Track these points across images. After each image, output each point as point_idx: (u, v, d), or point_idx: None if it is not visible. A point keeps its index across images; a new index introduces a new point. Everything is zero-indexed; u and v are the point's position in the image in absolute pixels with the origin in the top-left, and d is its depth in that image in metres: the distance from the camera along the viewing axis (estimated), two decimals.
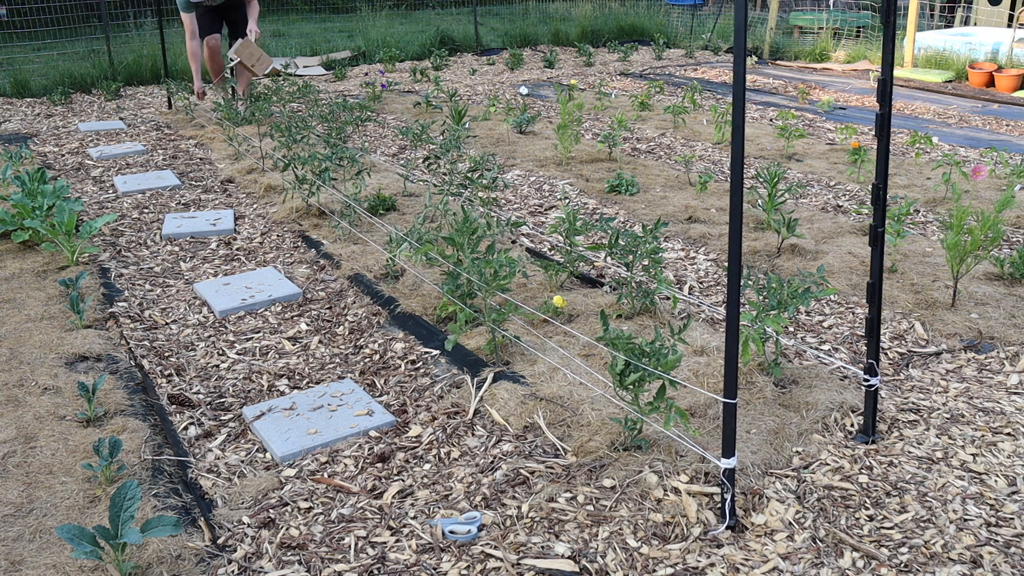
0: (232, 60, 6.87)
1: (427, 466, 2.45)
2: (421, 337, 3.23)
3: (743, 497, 2.23)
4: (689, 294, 3.60)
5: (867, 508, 2.21)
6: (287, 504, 2.30)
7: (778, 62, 11.14)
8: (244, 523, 2.22)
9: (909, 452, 2.45)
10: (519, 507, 2.24)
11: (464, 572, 2.02)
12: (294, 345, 3.24)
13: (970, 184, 5.02)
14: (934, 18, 12.67)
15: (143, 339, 3.30)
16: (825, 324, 3.28)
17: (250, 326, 3.41)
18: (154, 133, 7.14)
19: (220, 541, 2.15)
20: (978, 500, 2.23)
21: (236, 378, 3.00)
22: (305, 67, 10.59)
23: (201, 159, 6.19)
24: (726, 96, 8.49)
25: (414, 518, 2.22)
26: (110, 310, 3.54)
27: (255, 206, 5.00)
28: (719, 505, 2.17)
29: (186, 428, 2.69)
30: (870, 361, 2.42)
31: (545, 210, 4.80)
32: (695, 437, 2.42)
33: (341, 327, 3.39)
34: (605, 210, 4.74)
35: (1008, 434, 2.52)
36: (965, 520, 2.15)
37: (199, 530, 2.19)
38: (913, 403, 2.72)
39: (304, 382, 2.96)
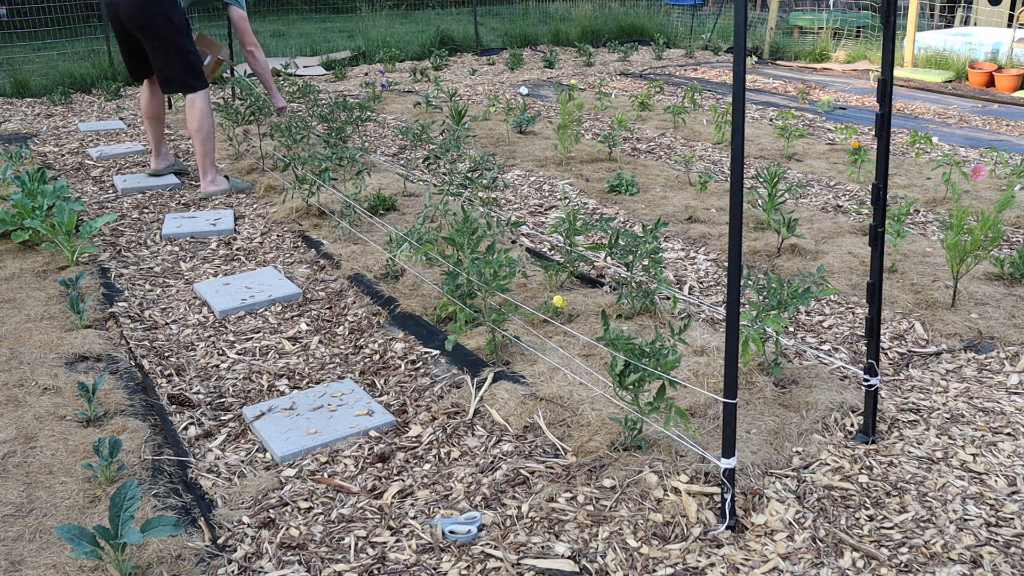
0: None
1: (427, 466, 2.45)
2: (421, 337, 3.23)
3: (743, 497, 2.23)
4: (689, 294, 3.60)
5: (867, 508, 2.21)
6: (287, 504, 2.30)
7: (778, 62, 11.14)
8: (244, 523, 2.22)
9: (909, 452, 2.45)
10: (519, 507, 2.24)
11: (464, 572, 2.02)
12: (294, 345, 3.24)
13: (970, 184, 5.02)
14: (934, 18, 12.67)
15: (143, 339, 3.30)
16: (825, 324, 3.28)
17: (250, 326, 3.41)
18: None
19: (220, 541, 2.15)
20: (978, 500, 2.23)
21: (236, 378, 3.00)
22: (305, 67, 10.60)
23: None
24: (726, 96, 8.49)
25: (414, 518, 2.22)
26: (110, 310, 3.54)
27: (255, 206, 5.00)
28: (719, 505, 2.18)
29: (186, 428, 2.69)
30: (870, 361, 2.42)
31: (545, 210, 4.80)
32: (695, 437, 2.42)
33: (341, 327, 3.39)
34: (605, 210, 4.74)
35: (1008, 434, 2.52)
36: (965, 520, 2.15)
37: (199, 530, 2.19)
38: (913, 403, 2.72)
39: (304, 382, 2.96)
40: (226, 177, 5.31)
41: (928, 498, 2.24)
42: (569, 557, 2.05)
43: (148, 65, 5.04)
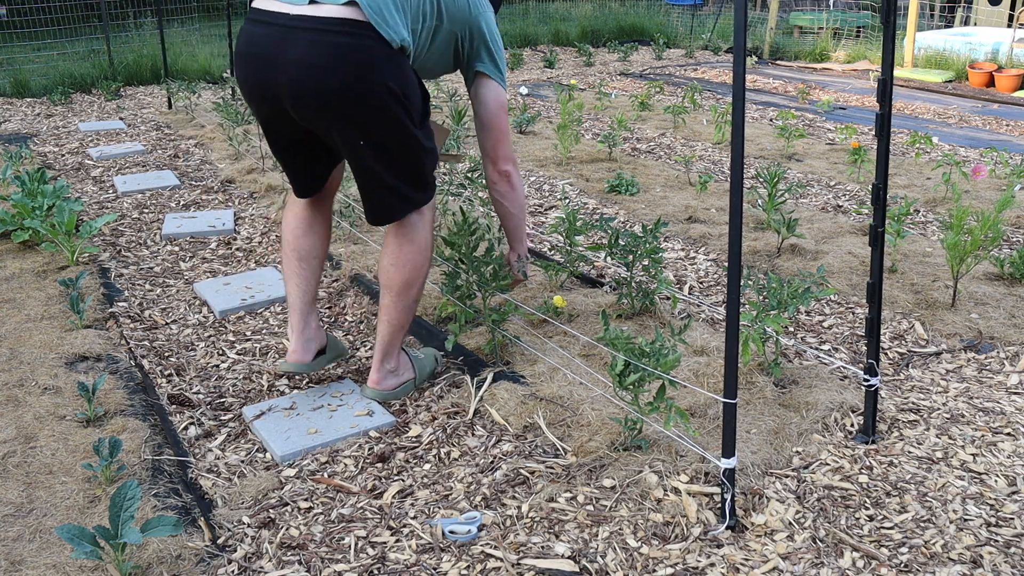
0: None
1: (427, 466, 2.44)
2: (421, 337, 3.22)
3: (743, 497, 2.23)
4: (689, 294, 3.60)
5: (867, 508, 2.21)
6: (287, 504, 2.30)
7: (778, 62, 11.14)
8: (244, 523, 2.22)
9: (909, 452, 2.45)
10: (519, 507, 2.24)
11: (464, 572, 2.02)
12: None
13: (970, 184, 5.02)
14: (934, 18, 12.67)
15: (143, 339, 3.30)
16: (825, 324, 3.28)
17: (250, 326, 3.41)
18: (154, 133, 7.14)
19: (220, 541, 2.15)
20: (978, 500, 2.23)
21: (236, 378, 3.00)
22: None
23: (201, 159, 6.19)
24: (726, 96, 8.49)
25: (414, 518, 2.22)
26: (110, 310, 3.54)
27: (255, 206, 5.00)
28: (719, 505, 2.17)
29: (186, 428, 2.69)
30: (870, 361, 2.42)
31: (545, 210, 4.80)
32: (695, 437, 2.42)
33: (341, 327, 3.39)
34: (605, 210, 4.74)
35: (1008, 434, 2.52)
36: (965, 520, 2.15)
37: (199, 530, 2.19)
38: (913, 403, 2.72)
39: (304, 382, 2.96)
40: (406, 352, 2.86)
41: (928, 498, 2.24)
42: (569, 557, 2.05)
43: (326, 171, 2.75)
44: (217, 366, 3.09)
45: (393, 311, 2.68)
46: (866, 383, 2.45)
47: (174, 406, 2.81)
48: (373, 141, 2.40)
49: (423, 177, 2.58)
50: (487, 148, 2.77)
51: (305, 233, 2.81)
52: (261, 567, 2.06)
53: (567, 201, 4.90)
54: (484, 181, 4.32)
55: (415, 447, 2.54)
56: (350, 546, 2.13)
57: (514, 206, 2.90)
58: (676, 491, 2.25)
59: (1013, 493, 2.25)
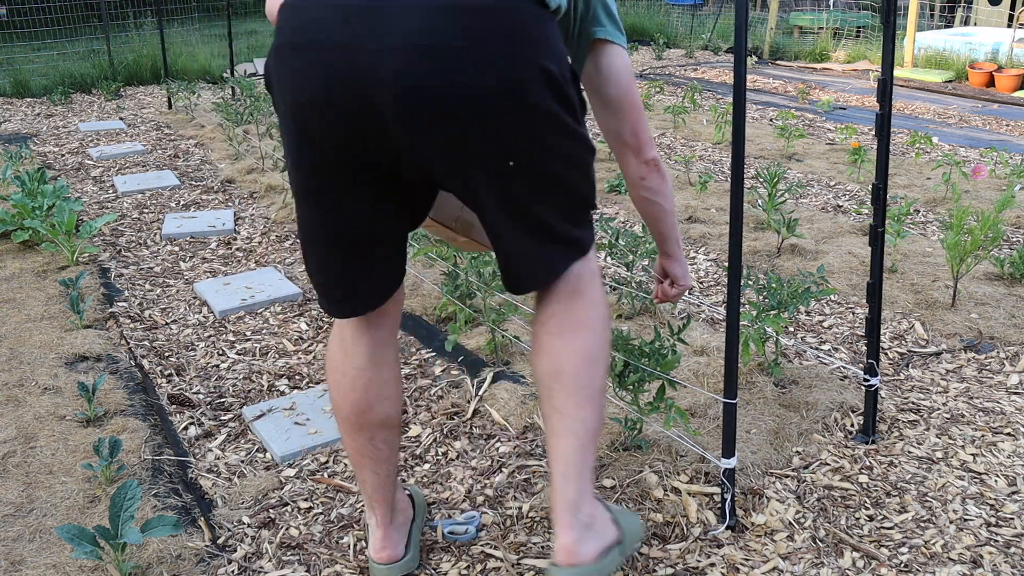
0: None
1: (427, 466, 2.45)
2: (421, 337, 3.22)
3: (743, 497, 2.23)
4: (689, 294, 3.60)
5: (867, 508, 2.21)
6: (287, 504, 2.30)
7: (778, 62, 11.14)
8: (244, 523, 2.22)
9: (909, 452, 2.45)
10: (519, 507, 2.24)
11: (464, 572, 2.02)
12: (294, 345, 3.24)
13: (970, 184, 5.02)
14: (934, 18, 12.67)
15: (143, 339, 3.30)
16: (825, 324, 3.28)
17: (250, 326, 3.41)
18: (154, 133, 7.14)
19: (220, 541, 2.15)
20: (978, 500, 2.23)
21: (236, 378, 3.00)
22: None
23: (201, 159, 6.19)
24: (726, 96, 8.49)
25: None
26: (110, 310, 3.54)
27: (255, 206, 5.00)
28: (719, 505, 2.17)
29: (186, 428, 2.69)
30: (870, 361, 2.42)
31: None
32: (695, 437, 2.42)
33: None
34: (605, 210, 4.74)
35: (1008, 434, 2.52)
36: (965, 520, 2.15)
37: (199, 530, 2.19)
38: (913, 403, 2.72)
39: (304, 382, 2.96)
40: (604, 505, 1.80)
41: (928, 498, 2.24)
42: None
43: (402, 259, 1.76)
44: (217, 366, 3.09)
45: (575, 412, 1.61)
46: (866, 383, 2.45)
47: (174, 406, 2.81)
48: (529, 163, 1.53)
49: (592, 202, 1.73)
50: (625, 135, 1.96)
51: (373, 404, 1.80)
52: (261, 567, 2.06)
53: None
54: None
55: (415, 447, 2.54)
56: (350, 546, 2.13)
57: (668, 201, 2.03)
58: (676, 491, 2.25)
59: (1013, 493, 2.25)
